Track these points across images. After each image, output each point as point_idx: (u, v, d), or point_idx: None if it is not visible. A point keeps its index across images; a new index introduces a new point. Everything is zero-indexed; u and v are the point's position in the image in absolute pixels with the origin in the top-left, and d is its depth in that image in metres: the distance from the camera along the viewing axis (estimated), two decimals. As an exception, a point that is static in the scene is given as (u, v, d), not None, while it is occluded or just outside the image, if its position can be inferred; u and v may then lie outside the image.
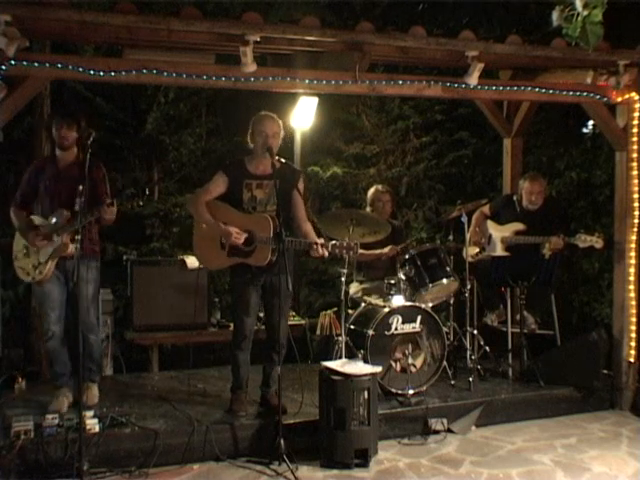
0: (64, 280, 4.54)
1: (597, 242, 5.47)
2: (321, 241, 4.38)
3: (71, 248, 4.36)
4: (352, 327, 5.14)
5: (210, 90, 7.09)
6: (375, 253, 5.55)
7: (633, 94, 5.32)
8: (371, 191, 5.83)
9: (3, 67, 4.04)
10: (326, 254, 4.36)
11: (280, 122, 4.57)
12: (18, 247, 4.58)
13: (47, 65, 4.18)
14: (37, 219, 4.52)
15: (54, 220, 4.41)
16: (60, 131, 4.49)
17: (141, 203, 4.54)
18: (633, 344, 5.44)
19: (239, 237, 4.39)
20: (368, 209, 5.75)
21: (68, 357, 4.62)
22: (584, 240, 5.51)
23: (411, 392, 4.95)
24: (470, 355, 5.52)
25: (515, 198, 6.01)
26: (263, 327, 4.84)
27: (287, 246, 4.28)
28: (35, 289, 4.64)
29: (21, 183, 4.65)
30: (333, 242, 4.37)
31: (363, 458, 4.32)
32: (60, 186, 4.49)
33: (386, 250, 5.53)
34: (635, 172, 5.39)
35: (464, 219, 5.54)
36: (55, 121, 4.54)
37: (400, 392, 4.96)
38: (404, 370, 5.01)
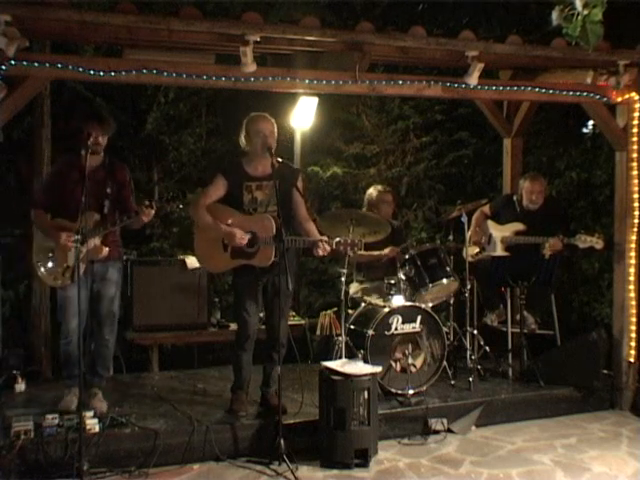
0: (90, 284, 4.44)
1: (597, 243, 5.47)
2: (324, 238, 4.38)
3: (105, 251, 4.36)
4: (352, 327, 5.14)
5: (210, 90, 7.09)
6: (374, 254, 5.54)
7: (633, 94, 5.32)
8: (374, 193, 5.75)
9: (3, 67, 4.03)
10: (328, 249, 4.36)
11: (273, 121, 4.58)
12: (42, 250, 4.46)
13: (47, 65, 4.17)
14: (62, 222, 4.43)
15: (84, 223, 4.26)
16: (97, 138, 4.34)
17: (181, 205, 4.41)
18: (633, 344, 5.43)
19: (243, 238, 4.39)
20: (364, 209, 5.71)
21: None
22: (584, 241, 5.51)
23: (411, 392, 4.95)
24: (470, 355, 5.52)
25: (515, 198, 6.01)
26: (263, 327, 4.84)
27: (289, 245, 4.29)
28: (58, 293, 4.54)
29: (44, 185, 4.55)
30: (337, 239, 4.38)
31: (363, 458, 4.32)
32: (87, 189, 4.32)
33: (386, 251, 5.52)
34: (635, 172, 5.39)
35: (464, 219, 5.54)
36: (89, 125, 4.35)
37: (400, 392, 4.96)
38: (404, 370, 5.01)
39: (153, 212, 4.25)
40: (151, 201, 4.24)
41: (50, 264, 4.45)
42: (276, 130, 4.57)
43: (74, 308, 4.39)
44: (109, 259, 4.47)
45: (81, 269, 4.33)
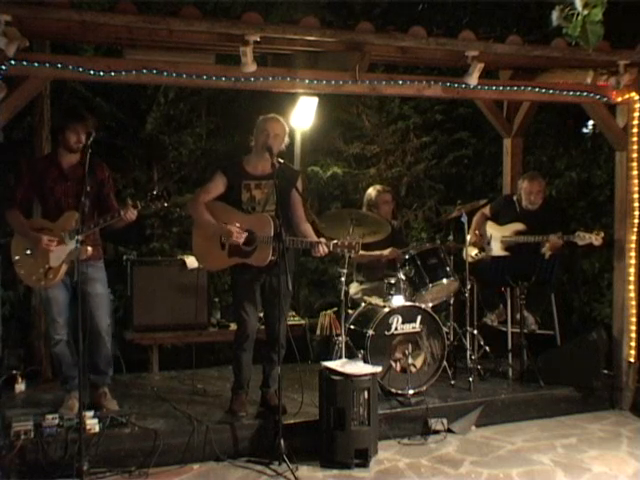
0: (70, 284, 4.42)
1: (596, 239, 5.46)
2: (323, 240, 4.39)
3: (89, 251, 4.31)
4: (352, 327, 5.14)
5: (210, 90, 7.08)
6: (375, 254, 5.54)
7: (633, 94, 5.32)
8: (373, 193, 5.77)
9: (3, 67, 4.03)
10: (326, 251, 4.36)
11: (286, 126, 4.59)
12: (19, 251, 4.40)
13: (47, 65, 4.17)
14: (41, 221, 4.41)
15: (65, 223, 4.29)
16: (77, 135, 4.33)
17: (166, 204, 4.28)
18: (633, 344, 5.44)
19: (240, 236, 4.39)
20: (364, 209, 5.71)
21: (76, 360, 4.56)
22: (583, 238, 5.50)
23: (411, 392, 4.96)
24: (470, 355, 5.51)
25: (515, 198, 6.02)
26: (263, 327, 4.84)
27: (288, 245, 4.29)
28: (41, 294, 4.53)
29: (19, 184, 4.45)
30: (335, 241, 4.38)
31: (363, 458, 4.32)
32: (66, 188, 4.39)
33: (386, 252, 5.52)
34: (635, 172, 5.39)
35: (464, 219, 5.54)
36: (69, 124, 4.36)
37: (400, 392, 4.96)
38: (404, 370, 5.02)
39: (136, 212, 4.20)
40: (135, 201, 4.19)
41: (30, 264, 4.36)
42: (286, 135, 4.57)
43: (58, 307, 4.43)
44: (89, 259, 4.40)
45: (64, 270, 4.32)
